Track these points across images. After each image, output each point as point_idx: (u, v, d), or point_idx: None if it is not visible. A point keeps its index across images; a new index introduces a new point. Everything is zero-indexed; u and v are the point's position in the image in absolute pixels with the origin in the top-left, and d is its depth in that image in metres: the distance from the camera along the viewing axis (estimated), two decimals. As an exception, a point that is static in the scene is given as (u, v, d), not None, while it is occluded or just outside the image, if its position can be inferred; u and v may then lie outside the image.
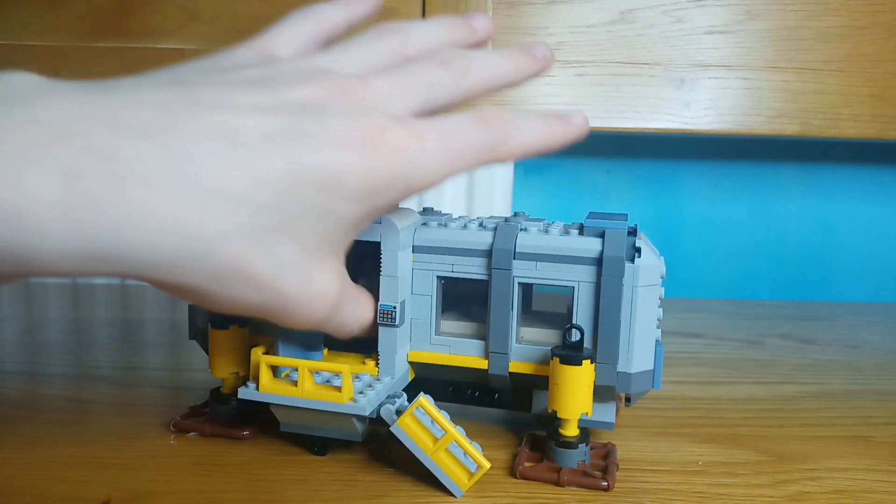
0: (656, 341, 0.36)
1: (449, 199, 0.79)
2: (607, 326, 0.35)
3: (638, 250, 0.35)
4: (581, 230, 0.37)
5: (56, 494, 0.32)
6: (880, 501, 0.34)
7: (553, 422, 0.36)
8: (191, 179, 0.23)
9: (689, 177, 0.83)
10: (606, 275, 0.35)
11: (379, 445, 0.38)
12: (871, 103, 0.72)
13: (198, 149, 0.23)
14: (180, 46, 0.71)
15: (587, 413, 0.35)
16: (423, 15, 0.72)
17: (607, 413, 0.38)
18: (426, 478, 0.34)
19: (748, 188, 0.84)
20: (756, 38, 0.72)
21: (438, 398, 0.39)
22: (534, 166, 0.82)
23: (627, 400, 0.38)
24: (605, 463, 0.36)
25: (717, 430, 0.42)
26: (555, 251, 0.36)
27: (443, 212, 0.42)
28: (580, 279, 0.36)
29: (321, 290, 0.28)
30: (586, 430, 0.36)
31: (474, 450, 0.33)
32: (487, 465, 0.33)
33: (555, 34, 0.72)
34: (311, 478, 0.35)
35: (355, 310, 0.32)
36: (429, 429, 0.34)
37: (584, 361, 0.34)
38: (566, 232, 0.37)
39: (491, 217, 0.41)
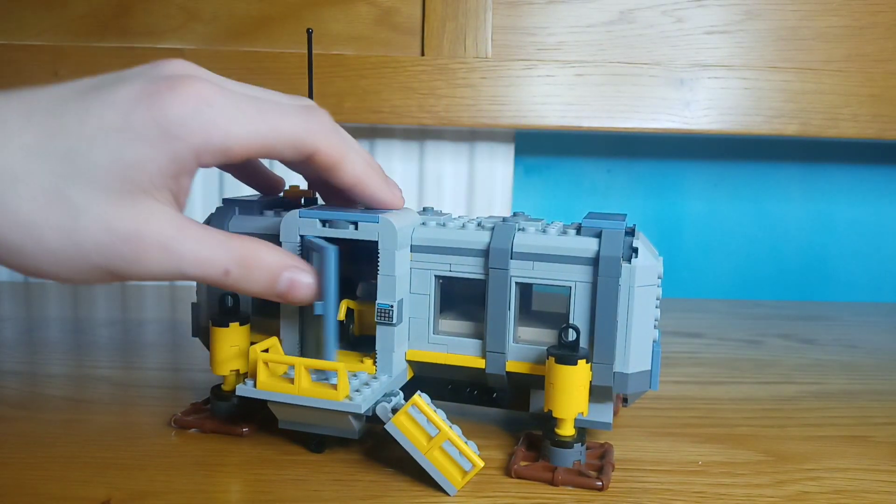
0: (654, 342, 0.36)
1: (449, 198, 0.79)
2: (603, 326, 0.35)
3: (635, 250, 0.35)
4: (579, 230, 0.37)
5: (56, 494, 0.32)
6: (880, 501, 0.34)
7: (549, 421, 0.36)
8: None
9: (689, 177, 0.83)
10: (603, 275, 0.35)
11: (378, 445, 0.38)
12: (870, 103, 0.72)
13: None
14: (180, 46, 0.72)
15: (583, 413, 0.35)
16: (424, 15, 0.72)
17: (604, 413, 0.37)
18: (425, 477, 0.34)
19: (748, 188, 0.84)
20: (756, 38, 0.72)
21: (436, 397, 0.39)
22: (534, 166, 0.82)
23: (625, 400, 0.38)
24: (601, 463, 0.36)
25: (717, 430, 0.42)
26: (551, 251, 0.36)
27: (443, 212, 0.42)
28: (577, 279, 0.36)
29: (139, 224, 0.28)
30: (583, 429, 0.36)
31: (469, 448, 0.33)
32: (481, 463, 0.33)
33: (555, 34, 0.72)
34: (311, 478, 0.35)
35: (244, 264, 0.31)
36: (424, 427, 0.34)
37: (579, 361, 0.34)
38: (564, 232, 0.37)
39: (490, 217, 0.41)
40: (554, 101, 0.72)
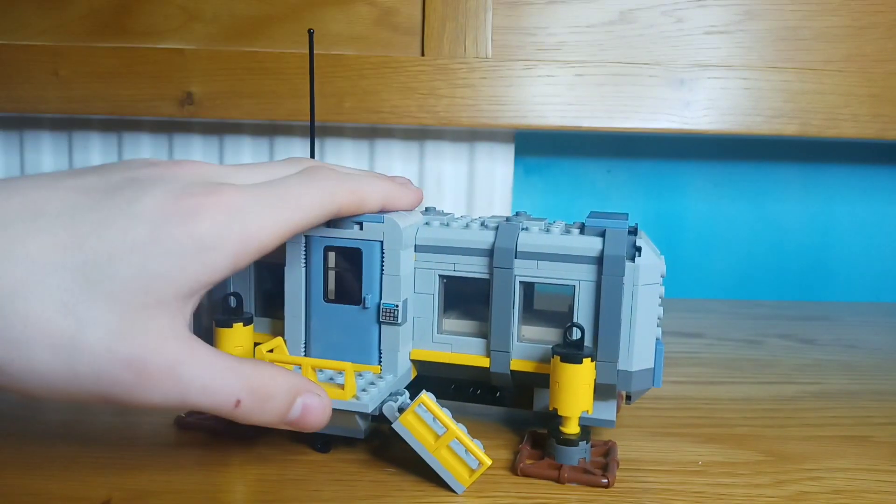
0: (657, 340, 0.36)
1: (449, 199, 0.79)
2: (608, 325, 0.36)
3: (638, 249, 0.35)
4: (582, 229, 0.37)
5: (56, 494, 0.32)
6: (880, 501, 0.34)
7: (554, 419, 0.36)
8: None
9: (689, 177, 0.83)
10: (607, 273, 0.35)
11: (380, 444, 0.38)
12: (870, 103, 0.72)
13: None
14: (180, 46, 0.72)
15: (588, 411, 0.35)
16: (424, 15, 0.72)
17: (608, 411, 0.38)
18: (428, 477, 0.34)
19: (748, 188, 0.84)
20: (756, 38, 0.72)
21: (441, 396, 0.39)
22: (534, 166, 0.82)
23: (628, 398, 0.38)
24: (606, 460, 0.36)
25: (717, 430, 0.42)
26: (556, 250, 0.36)
27: (444, 212, 0.42)
28: (581, 278, 0.36)
29: (145, 346, 0.25)
30: (587, 427, 0.36)
31: (476, 447, 0.33)
32: (489, 461, 0.33)
33: (555, 34, 0.72)
34: (312, 478, 0.35)
35: (256, 393, 0.28)
36: (431, 426, 0.34)
37: (584, 359, 0.34)
38: (567, 231, 0.37)
39: (493, 217, 0.41)
40: (554, 101, 0.72)
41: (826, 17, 0.72)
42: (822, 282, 0.85)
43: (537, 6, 0.72)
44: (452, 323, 0.39)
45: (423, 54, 0.72)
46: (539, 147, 0.82)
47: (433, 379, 0.40)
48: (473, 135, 0.78)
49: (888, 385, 0.52)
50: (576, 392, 0.34)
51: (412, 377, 0.39)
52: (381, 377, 0.36)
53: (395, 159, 0.78)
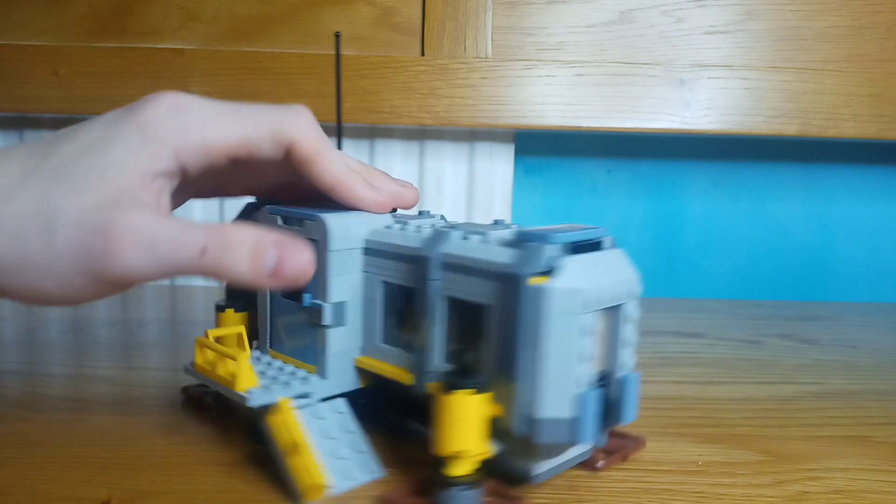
0: (587, 384, 0.30)
1: (449, 199, 0.79)
2: (504, 355, 0.30)
3: (555, 268, 0.29)
4: (516, 239, 0.31)
5: (56, 494, 0.32)
6: (880, 501, 0.34)
7: (440, 458, 0.30)
8: None
9: (689, 177, 0.83)
10: (504, 294, 0.29)
11: (379, 445, 0.38)
12: (870, 103, 0.72)
13: None
14: (180, 46, 0.72)
15: (483, 451, 0.30)
16: (424, 15, 0.72)
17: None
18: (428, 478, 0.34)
19: (748, 188, 0.84)
20: (756, 38, 0.72)
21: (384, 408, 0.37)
22: (534, 166, 0.82)
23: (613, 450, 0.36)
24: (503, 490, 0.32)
25: (717, 430, 0.42)
26: (467, 261, 0.31)
27: (435, 214, 0.39)
28: (488, 296, 0.30)
29: (108, 218, 0.28)
30: (488, 470, 0.31)
31: (314, 467, 0.31)
32: (323, 483, 0.31)
33: (555, 34, 0.72)
34: (311, 478, 0.35)
35: (221, 240, 0.29)
36: (295, 431, 0.32)
37: (471, 391, 0.29)
38: (491, 240, 0.32)
39: (457, 222, 0.37)
40: (554, 101, 0.72)
41: (826, 17, 0.72)
42: (822, 282, 0.85)
43: (537, 6, 0.72)
44: (397, 333, 0.36)
45: (423, 54, 0.72)
46: (539, 147, 0.82)
47: (390, 390, 0.36)
48: (473, 135, 0.78)
49: (888, 385, 0.52)
50: (461, 428, 0.29)
51: (360, 385, 0.37)
52: (306, 378, 0.35)
53: (395, 159, 0.78)
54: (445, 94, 0.71)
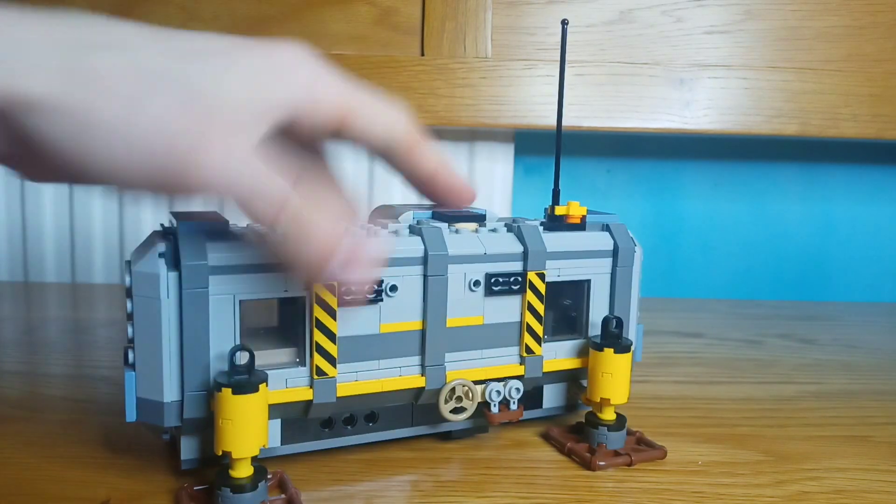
0: None
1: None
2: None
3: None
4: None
5: (56, 494, 0.32)
6: (880, 501, 0.34)
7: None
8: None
9: (688, 177, 0.83)
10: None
11: (378, 446, 0.38)
12: (870, 103, 0.72)
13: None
14: (180, 46, 0.71)
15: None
16: (423, 14, 0.72)
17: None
18: (427, 479, 0.34)
19: (748, 188, 0.84)
20: (756, 38, 0.72)
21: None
22: (534, 166, 0.82)
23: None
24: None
25: (717, 430, 0.42)
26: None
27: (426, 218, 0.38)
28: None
29: (201, 120, 0.26)
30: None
31: None
32: None
33: (555, 34, 0.72)
34: (312, 477, 0.35)
35: (311, 201, 0.28)
36: None
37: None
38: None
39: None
40: (554, 101, 0.71)
41: (826, 16, 0.72)
42: (821, 282, 0.85)
43: (537, 6, 0.72)
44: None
45: (422, 54, 0.72)
46: (539, 147, 0.82)
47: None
48: (473, 134, 0.78)
49: (888, 385, 0.52)
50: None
51: None
52: None
53: (395, 159, 0.78)
54: (445, 94, 0.71)
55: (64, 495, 0.32)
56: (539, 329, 0.37)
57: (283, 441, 0.35)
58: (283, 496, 0.32)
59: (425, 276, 0.34)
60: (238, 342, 0.31)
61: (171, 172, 0.26)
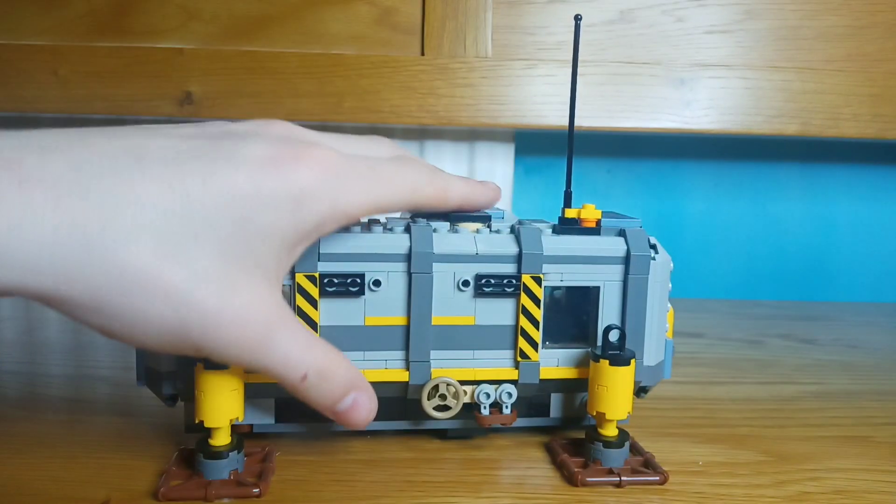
0: None
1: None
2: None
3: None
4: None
5: (56, 494, 0.32)
6: (881, 502, 0.34)
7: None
8: (92, 186, 0.23)
9: (689, 177, 0.83)
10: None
11: (379, 446, 0.38)
12: (871, 103, 0.72)
13: (103, 161, 0.24)
14: (180, 46, 0.71)
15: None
16: (423, 14, 0.72)
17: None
18: (427, 479, 0.34)
19: (748, 188, 0.84)
20: (756, 38, 0.72)
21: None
22: (534, 166, 0.82)
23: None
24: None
25: (718, 430, 0.42)
26: None
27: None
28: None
29: (248, 306, 0.26)
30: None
31: None
32: None
33: (555, 34, 0.72)
34: (311, 478, 0.35)
35: (321, 374, 0.29)
36: None
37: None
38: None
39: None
40: (554, 101, 0.71)
41: (827, 16, 0.72)
42: (822, 282, 0.85)
43: (537, 5, 0.72)
44: None
45: (422, 54, 0.72)
46: (539, 147, 0.82)
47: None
48: (473, 134, 0.78)
49: (889, 385, 0.52)
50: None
51: None
52: None
53: (395, 159, 0.78)
54: (445, 94, 0.71)
55: (64, 495, 0.32)
56: (535, 334, 0.36)
57: (277, 419, 0.37)
58: (258, 466, 0.34)
59: (409, 273, 0.34)
60: None
61: (202, 350, 0.26)
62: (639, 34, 0.72)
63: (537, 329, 0.36)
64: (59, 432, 0.39)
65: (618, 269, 0.36)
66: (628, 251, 0.36)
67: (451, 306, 0.36)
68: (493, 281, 0.35)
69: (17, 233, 0.22)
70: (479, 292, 0.36)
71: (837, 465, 0.38)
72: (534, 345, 0.36)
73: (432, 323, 0.35)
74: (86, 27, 0.72)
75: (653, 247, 0.37)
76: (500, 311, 0.36)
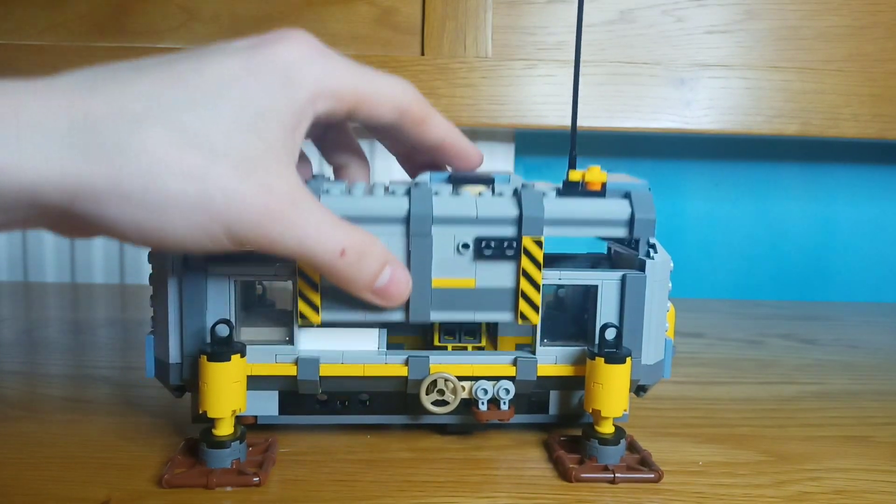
0: None
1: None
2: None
3: None
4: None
5: (56, 494, 0.32)
6: (881, 502, 0.34)
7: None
8: (98, 86, 0.25)
9: (689, 177, 0.83)
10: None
11: (378, 446, 0.38)
12: (871, 103, 0.72)
13: (107, 71, 0.27)
14: (180, 46, 0.71)
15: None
16: (423, 14, 0.72)
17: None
18: (427, 478, 0.34)
19: (749, 188, 0.84)
20: (756, 38, 0.72)
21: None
22: (534, 166, 0.82)
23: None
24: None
25: (718, 430, 0.42)
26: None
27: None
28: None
29: (268, 179, 0.27)
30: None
31: None
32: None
33: (555, 34, 0.72)
34: (311, 478, 0.35)
35: (357, 248, 0.30)
36: None
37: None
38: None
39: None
40: (554, 101, 0.72)
41: (827, 16, 0.72)
42: (822, 282, 0.85)
43: (537, 5, 0.72)
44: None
45: (423, 54, 0.72)
46: (539, 147, 0.82)
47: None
48: (473, 134, 0.78)
49: (889, 385, 0.52)
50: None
51: None
52: None
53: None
54: (445, 94, 0.71)
55: (64, 495, 0.32)
56: (536, 297, 0.36)
57: (281, 411, 0.38)
58: (259, 457, 0.35)
59: (408, 236, 0.34)
60: (234, 316, 0.35)
61: (230, 242, 0.27)
62: (639, 34, 0.72)
63: (538, 292, 0.36)
64: (59, 432, 0.39)
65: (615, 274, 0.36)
66: (632, 214, 0.36)
67: (452, 269, 0.35)
68: (493, 244, 0.35)
69: (39, 129, 0.23)
70: (480, 255, 0.35)
71: (837, 465, 0.38)
72: (535, 307, 0.36)
73: (433, 286, 0.35)
74: (86, 27, 0.72)
75: (652, 246, 0.37)
76: (500, 274, 0.36)
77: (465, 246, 0.35)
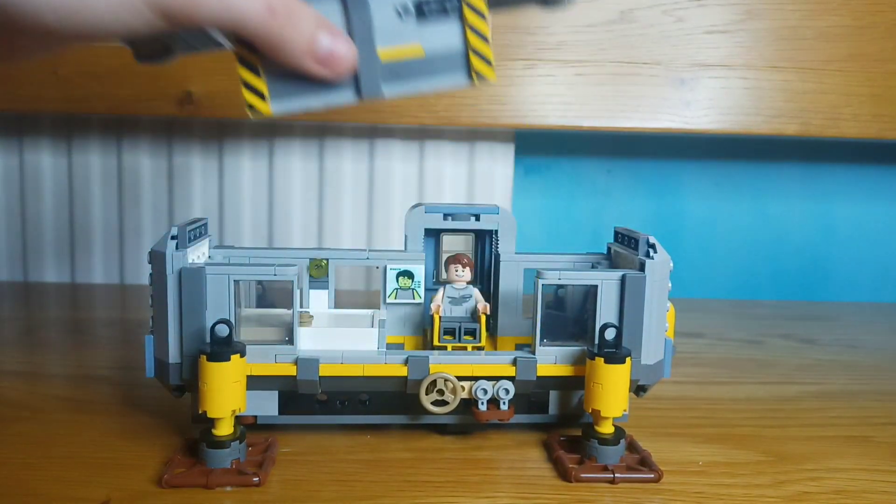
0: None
1: (448, 198, 0.79)
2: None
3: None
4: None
5: (56, 494, 0.32)
6: (880, 502, 0.34)
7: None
8: None
9: (689, 177, 0.83)
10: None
11: (379, 446, 0.38)
12: (871, 103, 0.72)
13: None
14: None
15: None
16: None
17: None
18: (427, 478, 0.34)
19: (749, 188, 0.84)
20: (756, 38, 0.72)
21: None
22: (534, 166, 0.82)
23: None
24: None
25: (718, 430, 0.42)
26: None
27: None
28: None
29: None
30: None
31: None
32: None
33: (555, 34, 0.72)
34: (311, 478, 0.35)
35: (287, 6, 0.28)
36: None
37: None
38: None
39: None
40: (554, 101, 0.72)
41: (827, 16, 0.72)
42: (822, 282, 0.85)
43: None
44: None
45: (423, 54, 0.72)
46: (539, 147, 0.82)
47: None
48: (473, 134, 0.78)
49: (889, 385, 0.52)
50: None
51: None
52: None
53: (395, 159, 0.78)
54: (445, 94, 0.71)
55: (64, 495, 0.32)
56: (487, 51, 0.34)
57: (281, 412, 0.38)
58: (259, 457, 0.35)
59: (345, 5, 0.32)
60: (233, 317, 0.35)
61: (161, 18, 0.26)
62: (639, 34, 0.72)
63: (487, 44, 0.34)
64: (59, 432, 0.39)
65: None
66: None
67: (396, 36, 0.33)
68: (433, 2, 0.33)
69: None
70: (420, 15, 0.33)
71: (837, 465, 0.38)
72: (488, 62, 0.33)
73: (381, 60, 0.33)
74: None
75: (652, 246, 0.37)
76: (447, 34, 0.34)
77: (406, 9, 0.33)
